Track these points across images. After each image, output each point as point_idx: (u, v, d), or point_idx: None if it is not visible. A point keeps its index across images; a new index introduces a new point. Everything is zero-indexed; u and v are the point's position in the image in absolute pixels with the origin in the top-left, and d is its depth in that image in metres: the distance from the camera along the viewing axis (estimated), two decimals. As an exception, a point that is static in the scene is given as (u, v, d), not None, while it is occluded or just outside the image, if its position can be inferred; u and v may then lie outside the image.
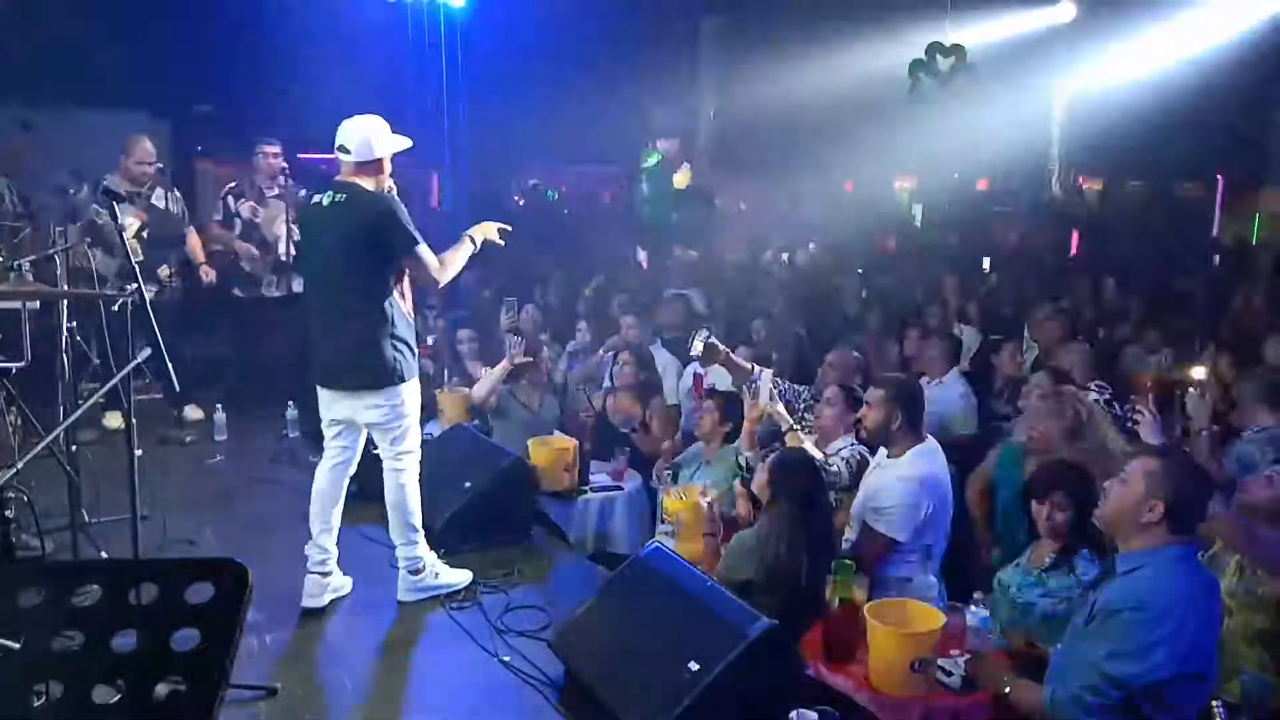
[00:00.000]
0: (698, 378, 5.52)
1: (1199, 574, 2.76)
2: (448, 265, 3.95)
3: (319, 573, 4.02)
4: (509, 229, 4.18)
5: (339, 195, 3.85)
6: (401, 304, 3.92)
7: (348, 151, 3.84)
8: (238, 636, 1.52)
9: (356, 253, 3.80)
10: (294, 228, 6.76)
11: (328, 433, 4.10)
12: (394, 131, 3.96)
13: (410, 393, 3.97)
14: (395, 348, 3.85)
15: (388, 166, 3.93)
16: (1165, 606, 2.61)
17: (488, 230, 4.11)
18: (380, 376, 3.86)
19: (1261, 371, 4.89)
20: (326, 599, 4.02)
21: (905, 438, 3.93)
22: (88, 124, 8.32)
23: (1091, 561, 3.31)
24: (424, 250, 3.85)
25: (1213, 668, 2.75)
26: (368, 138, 3.85)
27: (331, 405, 4.02)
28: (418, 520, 4.06)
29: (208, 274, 6.70)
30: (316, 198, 3.94)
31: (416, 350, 4.02)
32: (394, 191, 3.97)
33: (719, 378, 5.58)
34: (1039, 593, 3.31)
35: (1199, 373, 5.36)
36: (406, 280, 3.97)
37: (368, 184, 3.85)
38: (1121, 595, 2.69)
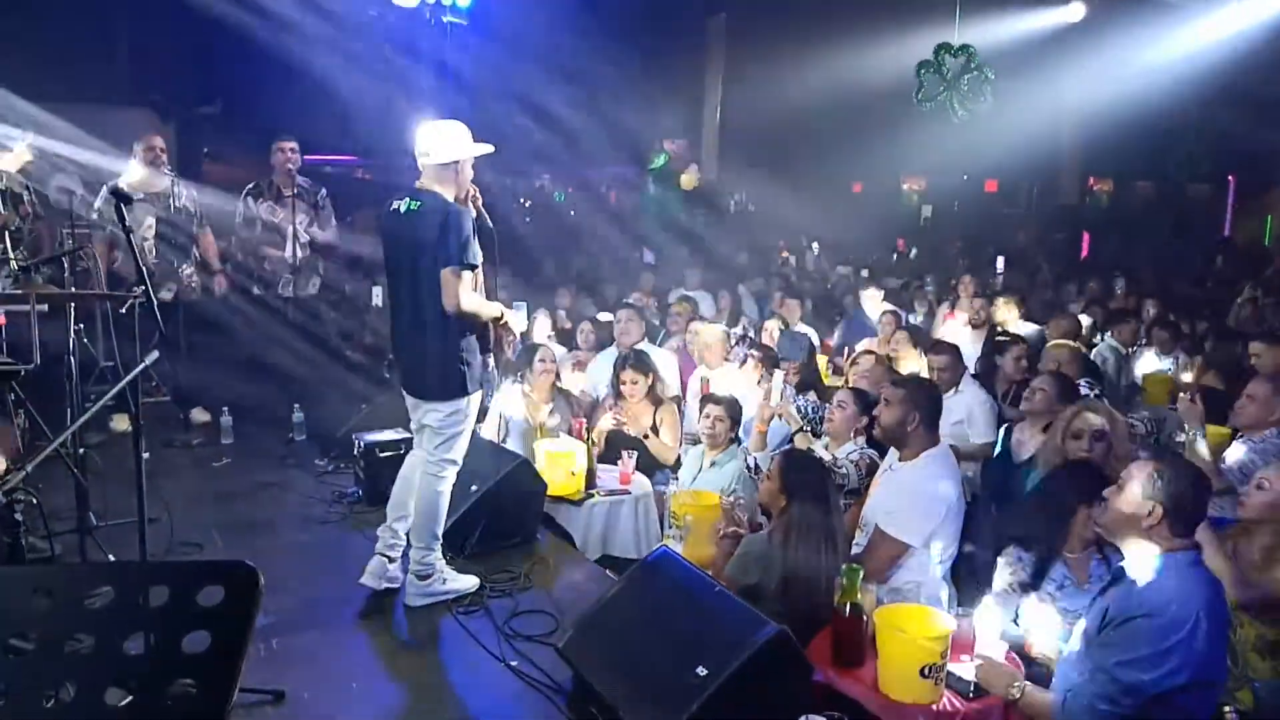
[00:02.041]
0: (705, 382, 5.51)
1: (1208, 578, 2.73)
2: (473, 306, 3.83)
3: (386, 555, 4.10)
4: (519, 328, 4.21)
5: (414, 203, 3.82)
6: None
7: (426, 155, 3.82)
8: (248, 639, 1.52)
9: (429, 263, 3.75)
10: (300, 229, 6.78)
11: (415, 433, 4.15)
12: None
13: (470, 403, 4.00)
14: (462, 360, 3.87)
15: (468, 171, 3.91)
16: (1179, 612, 2.59)
17: (511, 319, 4.07)
18: (445, 390, 3.91)
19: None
20: (383, 584, 4.09)
21: (920, 440, 3.90)
22: (94, 126, 8.33)
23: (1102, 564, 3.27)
24: (466, 275, 3.75)
25: (1223, 672, 2.74)
26: (446, 141, 3.83)
27: (413, 410, 4.10)
28: (440, 529, 4.07)
29: (221, 284, 6.70)
30: (395, 204, 3.90)
31: (483, 360, 4.02)
32: (478, 199, 3.96)
33: (730, 382, 5.58)
34: (1087, 599, 3.24)
35: (1188, 376, 5.35)
36: (482, 287, 3.95)
37: (447, 191, 3.83)
38: (1134, 602, 2.67)
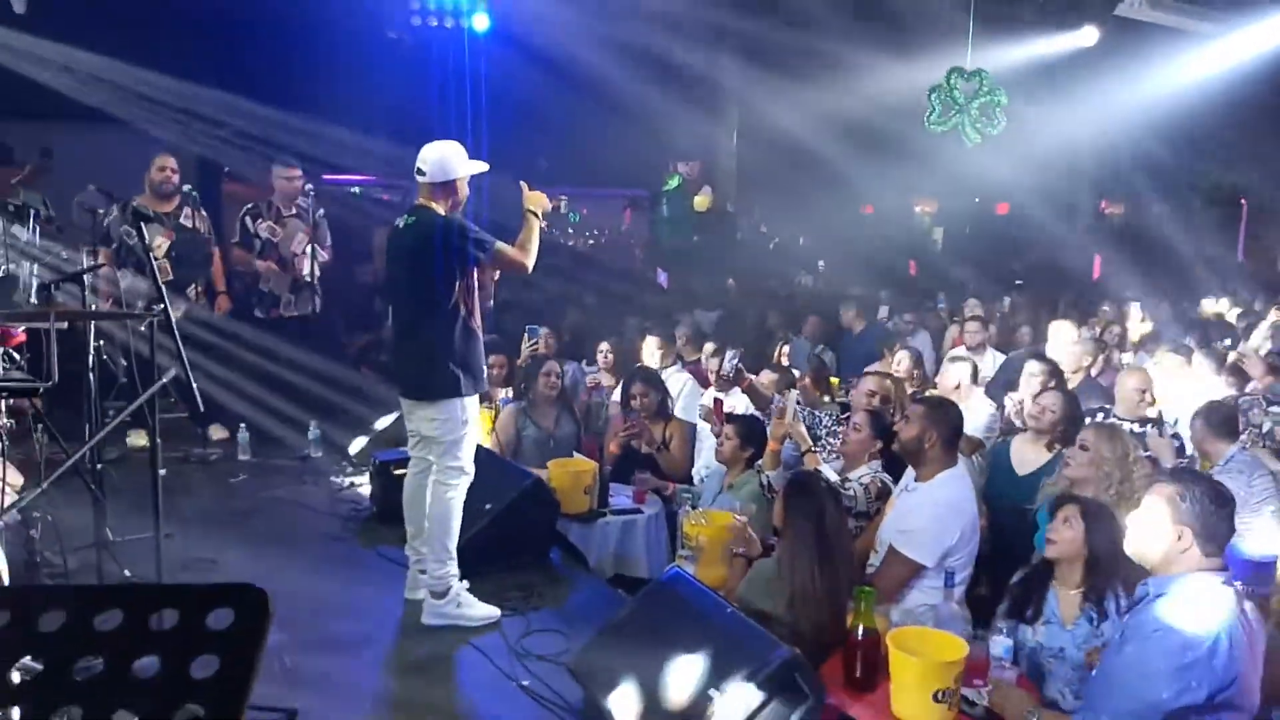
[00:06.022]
0: (718, 402, 5.50)
1: (1235, 598, 2.66)
2: (527, 248, 4.11)
3: (419, 569, 4.19)
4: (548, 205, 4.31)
5: (411, 219, 4.06)
6: (470, 322, 4.06)
7: (423, 174, 4.02)
8: (258, 663, 1.51)
9: (422, 273, 3.97)
10: (316, 247, 6.83)
11: (409, 442, 4.30)
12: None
13: (465, 408, 4.07)
14: (454, 365, 3.99)
15: (463, 189, 4.10)
16: (1197, 630, 2.55)
17: (541, 200, 4.24)
18: (435, 390, 4.02)
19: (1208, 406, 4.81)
20: (421, 593, 4.15)
21: (938, 460, 3.88)
22: (112, 144, 8.41)
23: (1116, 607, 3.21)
24: (502, 246, 4.04)
25: (1253, 697, 2.63)
26: (442, 160, 4.03)
27: (408, 415, 4.24)
28: (454, 542, 4.08)
29: (222, 306, 6.77)
30: (398, 221, 4.14)
31: (481, 369, 4.14)
32: (461, 210, 4.13)
33: (739, 402, 5.57)
34: (1068, 639, 3.20)
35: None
36: (476, 299, 4.09)
37: (440, 207, 4.04)
38: (1153, 617, 2.63)
